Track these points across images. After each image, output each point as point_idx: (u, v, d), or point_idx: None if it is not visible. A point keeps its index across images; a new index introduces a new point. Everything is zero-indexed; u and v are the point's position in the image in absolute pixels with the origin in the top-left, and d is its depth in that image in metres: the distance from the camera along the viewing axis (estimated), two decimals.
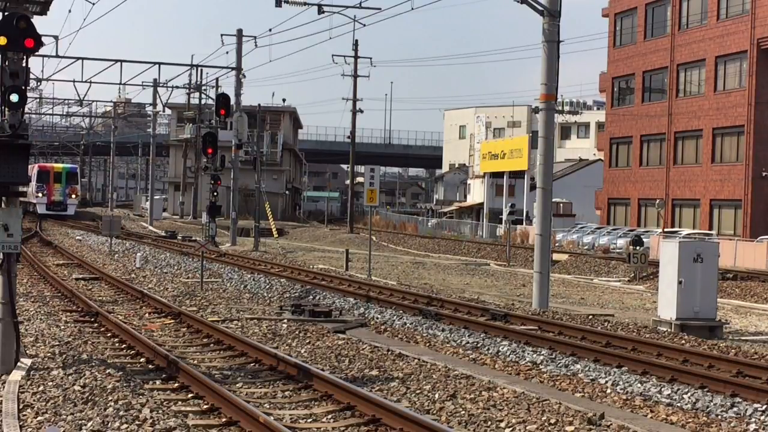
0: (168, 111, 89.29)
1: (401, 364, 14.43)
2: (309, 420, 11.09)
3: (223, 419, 10.80)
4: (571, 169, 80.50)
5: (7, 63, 12.70)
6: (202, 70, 64.04)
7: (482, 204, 73.85)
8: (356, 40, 69.73)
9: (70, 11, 46.43)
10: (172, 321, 18.78)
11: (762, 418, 11.80)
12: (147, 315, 19.82)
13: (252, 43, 47.98)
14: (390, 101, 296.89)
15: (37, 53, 13.92)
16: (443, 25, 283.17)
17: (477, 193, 79.88)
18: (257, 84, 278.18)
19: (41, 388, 11.63)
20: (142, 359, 14.38)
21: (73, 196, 70.01)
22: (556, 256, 40.03)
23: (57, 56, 46.05)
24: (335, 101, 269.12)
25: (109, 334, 16.78)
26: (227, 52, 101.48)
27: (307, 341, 16.61)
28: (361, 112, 76.69)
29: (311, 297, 23.45)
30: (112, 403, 10.83)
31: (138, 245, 40.75)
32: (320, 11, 40.60)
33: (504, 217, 55.10)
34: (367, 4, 45.03)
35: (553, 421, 10.98)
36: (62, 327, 17.15)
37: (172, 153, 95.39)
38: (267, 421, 10.12)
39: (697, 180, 55.17)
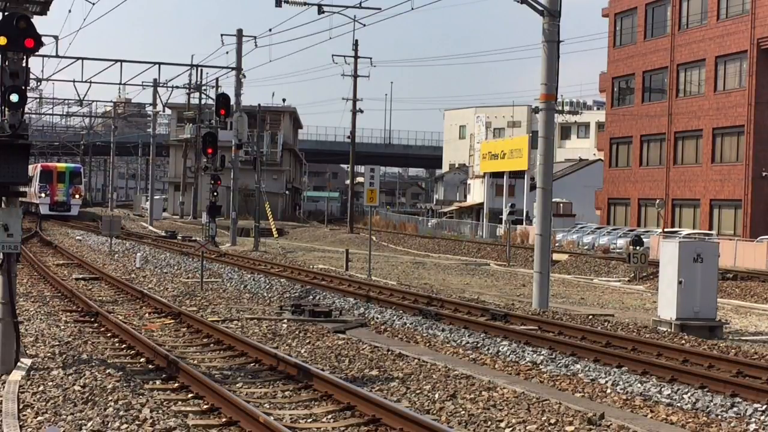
0: (168, 111, 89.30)
1: (401, 364, 14.43)
2: (309, 420, 11.09)
3: (223, 419, 10.80)
4: (571, 169, 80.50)
5: (7, 63, 12.70)
6: (202, 70, 64.10)
7: (482, 204, 73.84)
8: (356, 40, 69.81)
9: (70, 11, 46.45)
10: (172, 321, 18.78)
11: (762, 418, 11.80)
12: (147, 315, 19.82)
13: (252, 43, 48.05)
14: (390, 101, 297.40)
15: (37, 53, 13.92)
16: (443, 25, 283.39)
17: (477, 193, 79.89)
18: (257, 84, 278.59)
19: (41, 388, 11.63)
20: (142, 359, 14.38)
21: (77, 196, 68.90)
22: (556, 256, 40.03)
23: (57, 56, 46.10)
24: (335, 101, 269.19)
25: (109, 334, 16.78)
26: (227, 52, 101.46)
27: (307, 341, 16.61)
28: (361, 112, 76.77)
29: (311, 297, 23.45)
30: (112, 403, 10.83)
31: (138, 245, 40.75)
32: (320, 11, 40.61)
33: (504, 217, 55.10)
34: (367, 4, 45.05)
35: (553, 421, 10.98)
36: (62, 327, 17.15)
37: (172, 153, 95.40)
38: (267, 421, 10.12)
39: (697, 180, 55.17)
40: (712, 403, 12.46)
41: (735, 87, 52.69)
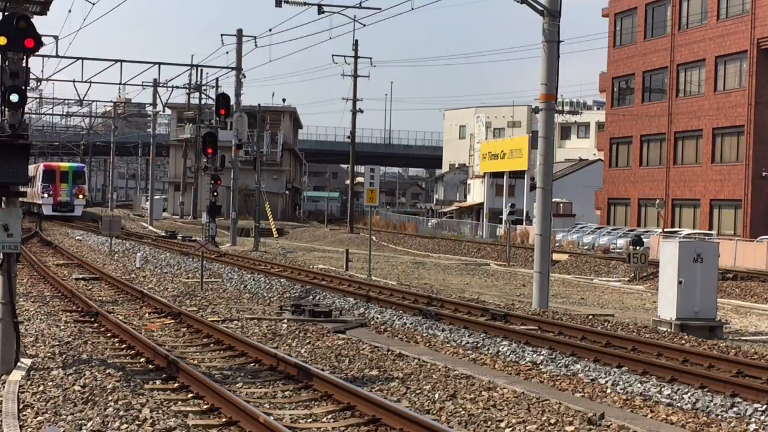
0: (168, 111, 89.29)
1: (401, 364, 14.43)
2: (309, 420, 11.09)
3: (223, 419, 10.80)
4: (571, 169, 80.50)
5: (7, 63, 12.70)
6: (202, 70, 64.09)
7: (482, 204, 73.84)
8: (356, 40, 69.83)
9: (70, 11, 46.42)
10: (172, 321, 18.77)
11: (762, 418, 11.80)
12: (147, 315, 19.82)
13: (252, 43, 48.05)
14: (390, 101, 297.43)
15: (37, 53, 13.92)
16: (443, 25, 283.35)
17: (477, 193, 79.89)
18: (257, 84, 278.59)
19: (41, 388, 11.63)
20: (142, 359, 14.38)
21: (81, 196, 67.37)
22: (556, 256, 40.03)
23: (57, 56, 46.10)
24: (335, 101, 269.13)
25: (109, 334, 16.78)
26: (227, 52, 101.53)
27: (307, 341, 16.61)
28: (361, 112, 76.81)
29: (311, 297, 23.45)
30: (112, 403, 10.83)
31: (138, 245, 40.75)
32: (320, 11, 40.60)
33: (504, 217, 55.08)
34: (367, 4, 45.05)
35: (553, 421, 10.98)
36: (62, 327, 17.15)
37: (172, 153, 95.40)
38: (267, 421, 10.12)
39: (697, 180, 55.18)
40: (712, 403, 12.45)
41: (735, 87, 52.69)
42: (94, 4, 33.86)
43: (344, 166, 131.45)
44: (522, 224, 61.45)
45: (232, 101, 46.88)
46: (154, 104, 71.36)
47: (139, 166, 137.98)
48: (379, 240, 60.25)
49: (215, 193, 46.67)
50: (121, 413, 10.38)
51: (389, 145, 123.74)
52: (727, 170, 53.06)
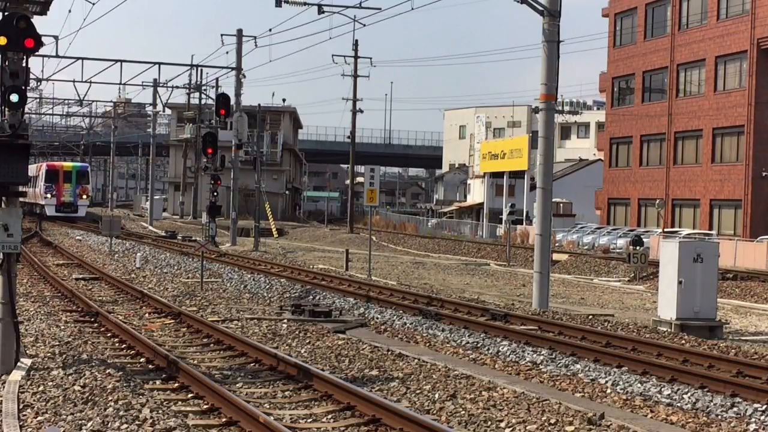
0: (168, 111, 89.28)
1: (401, 364, 14.43)
2: (309, 420, 11.09)
3: (223, 419, 10.80)
4: (571, 169, 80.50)
5: (7, 63, 12.70)
6: (202, 70, 64.08)
7: (482, 204, 73.85)
8: (356, 40, 69.80)
9: (70, 11, 46.41)
10: (172, 321, 18.77)
11: (762, 418, 11.80)
12: (147, 315, 19.82)
13: (252, 43, 48.03)
14: (390, 101, 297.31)
15: (37, 53, 13.92)
16: (443, 25, 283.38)
17: (477, 193, 79.89)
18: (257, 84, 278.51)
19: (41, 388, 11.63)
20: (142, 359, 14.38)
21: (84, 196, 66.15)
22: (556, 256, 40.03)
23: (57, 56, 46.05)
24: (335, 101, 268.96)
25: (109, 334, 16.78)
26: (227, 52, 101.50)
27: (307, 341, 16.61)
28: (361, 112, 76.79)
29: (311, 297, 23.45)
30: (112, 403, 10.83)
31: (138, 245, 40.75)
32: (320, 11, 40.60)
33: (504, 217, 55.09)
34: (367, 4, 45.07)
35: (553, 421, 10.98)
36: (62, 327, 17.15)
37: (172, 153, 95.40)
38: (267, 421, 10.12)
39: (697, 180, 55.18)
40: (712, 403, 12.45)
41: (735, 87, 52.69)
42: (94, 4, 33.88)
43: (344, 166, 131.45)
44: (522, 224, 61.46)
45: (232, 101, 46.88)
46: (154, 104, 71.36)
47: (139, 166, 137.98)
48: (379, 240, 60.25)
49: (215, 193, 46.66)
50: (121, 413, 10.38)
51: (389, 145, 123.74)
52: (727, 170, 53.06)
